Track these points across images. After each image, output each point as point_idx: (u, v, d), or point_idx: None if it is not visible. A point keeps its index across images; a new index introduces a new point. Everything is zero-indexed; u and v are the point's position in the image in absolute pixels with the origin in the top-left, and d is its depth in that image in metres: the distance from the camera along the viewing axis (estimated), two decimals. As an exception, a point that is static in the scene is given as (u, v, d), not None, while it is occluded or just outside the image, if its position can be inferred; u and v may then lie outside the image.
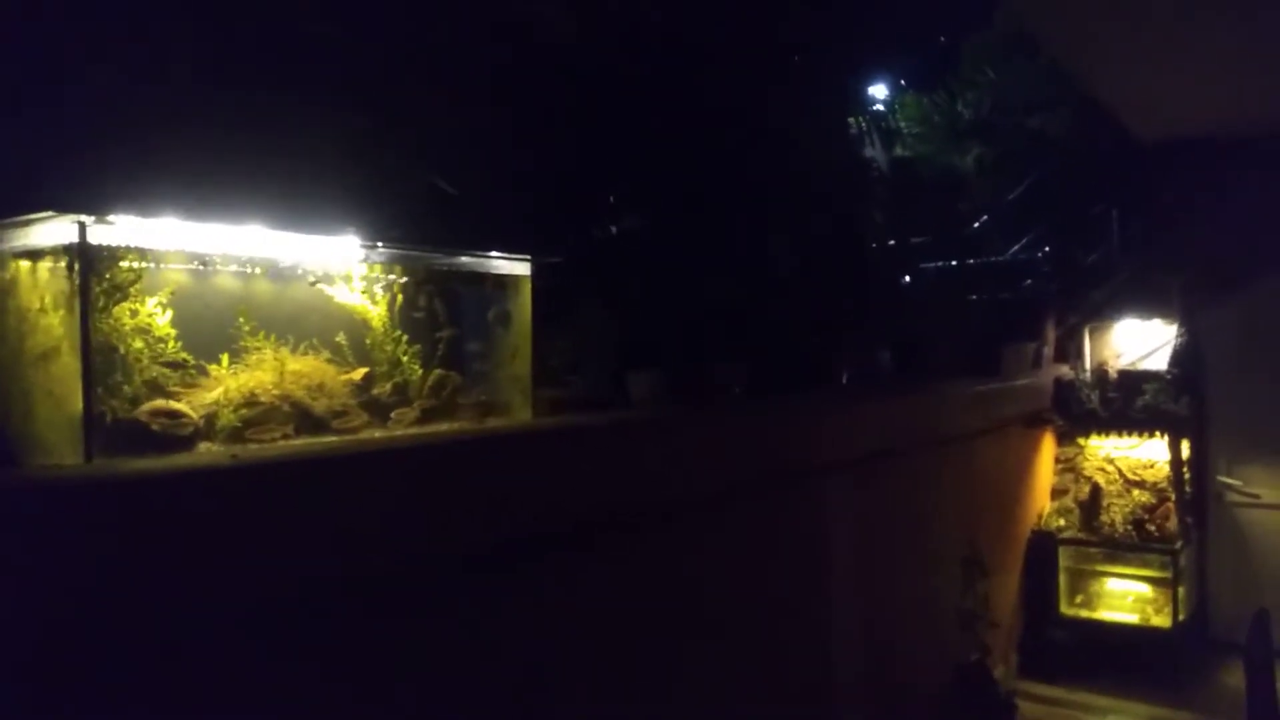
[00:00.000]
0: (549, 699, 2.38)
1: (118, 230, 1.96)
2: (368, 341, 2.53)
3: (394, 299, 2.56)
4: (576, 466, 2.48)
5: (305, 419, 2.28)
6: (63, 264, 1.91)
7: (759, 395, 3.41)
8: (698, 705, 2.96)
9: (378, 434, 2.40)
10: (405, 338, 2.58)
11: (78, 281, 1.87)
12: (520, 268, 2.75)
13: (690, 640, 2.92)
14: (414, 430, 2.48)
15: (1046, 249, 6.84)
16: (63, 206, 1.86)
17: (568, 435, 2.61)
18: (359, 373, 2.47)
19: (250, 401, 2.21)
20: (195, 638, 1.58)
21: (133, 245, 2.03)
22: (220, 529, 1.62)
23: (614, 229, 3.48)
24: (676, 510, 2.83)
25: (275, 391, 2.26)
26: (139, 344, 2.08)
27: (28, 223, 1.93)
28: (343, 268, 2.46)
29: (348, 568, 1.85)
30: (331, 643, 1.85)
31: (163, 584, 1.52)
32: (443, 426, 2.55)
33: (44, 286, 1.95)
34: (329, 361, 2.43)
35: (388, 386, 2.53)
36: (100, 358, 1.96)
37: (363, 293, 2.49)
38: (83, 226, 1.86)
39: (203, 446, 2.08)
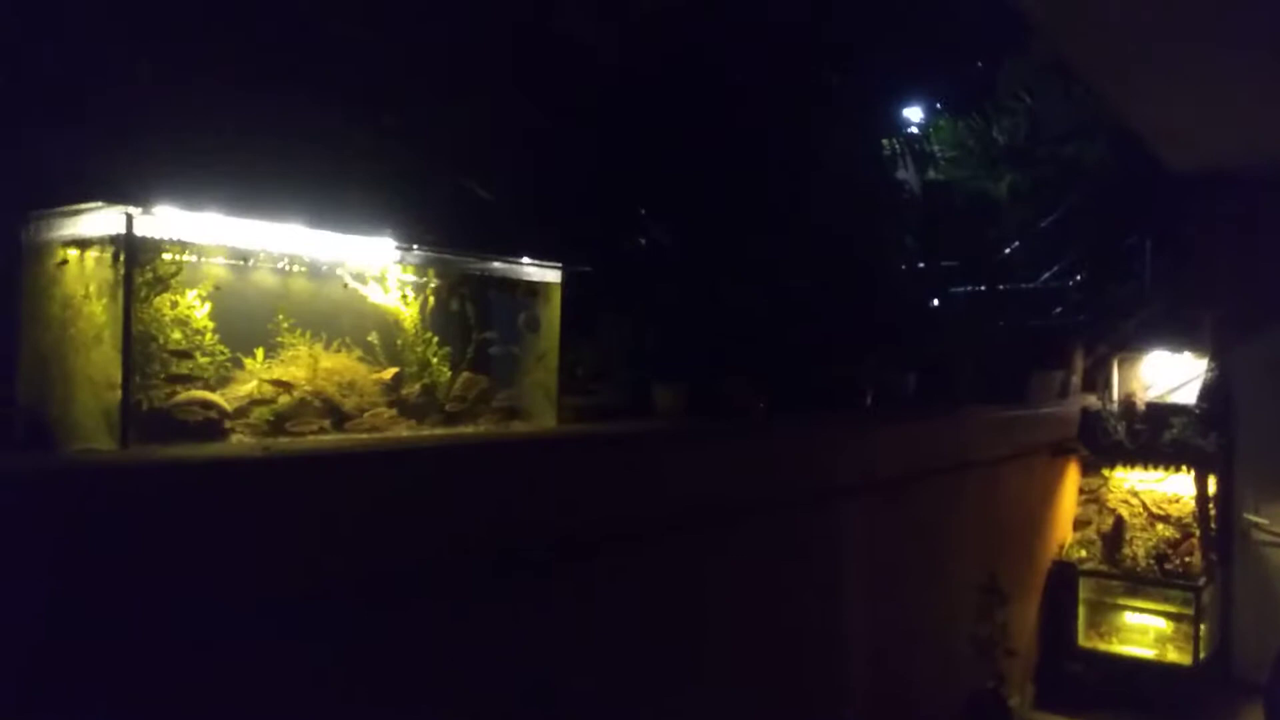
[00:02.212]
0: (557, 705, 2.39)
1: (161, 223, 2.02)
2: (399, 342, 2.57)
3: (426, 301, 2.60)
4: (598, 474, 2.50)
5: (335, 415, 2.32)
6: (108, 254, 1.96)
7: (783, 413, 3.43)
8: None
9: (405, 433, 2.44)
10: (436, 340, 2.62)
11: (122, 271, 1.92)
12: (551, 275, 2.79)
13: (701, 656, 2.93)
14: (440, 431, 2.51)
15: (1078, 278, 6.80)
16: (111, 197, 1.92)
17: (591, 443, 2.64)
18: (389, 372, 2.51)
19: (283, 395, 2.25)
20: (217, 625, 1.61)
21: (175, 238, 2.08)
22: (246, 519, 1.66)
23: (644, 241, 3.52)
24: (694, 524, 2.85)
25: (307, 387, 2.30)
26: (177, 335, 2.13)
27: (76, 212, 1.99)
28: (378, 268, 2.51)
29: (369, 564, 1.88)
30: (350, 640, 1.88)
31: (187, 570, 1.56)
32: (468, 429, 2.58)
33: (89, 275, 2.00)
34: (360, 360, 2.47)
35: (416, 387, 2.57)
36: (139, 347, 2.01)
37: (393, 293, 2.53)
38: (129, 217, 1.91)
39: (235, 438, 2.12)
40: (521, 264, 2.77)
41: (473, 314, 2.69)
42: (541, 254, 2.76)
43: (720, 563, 3.01)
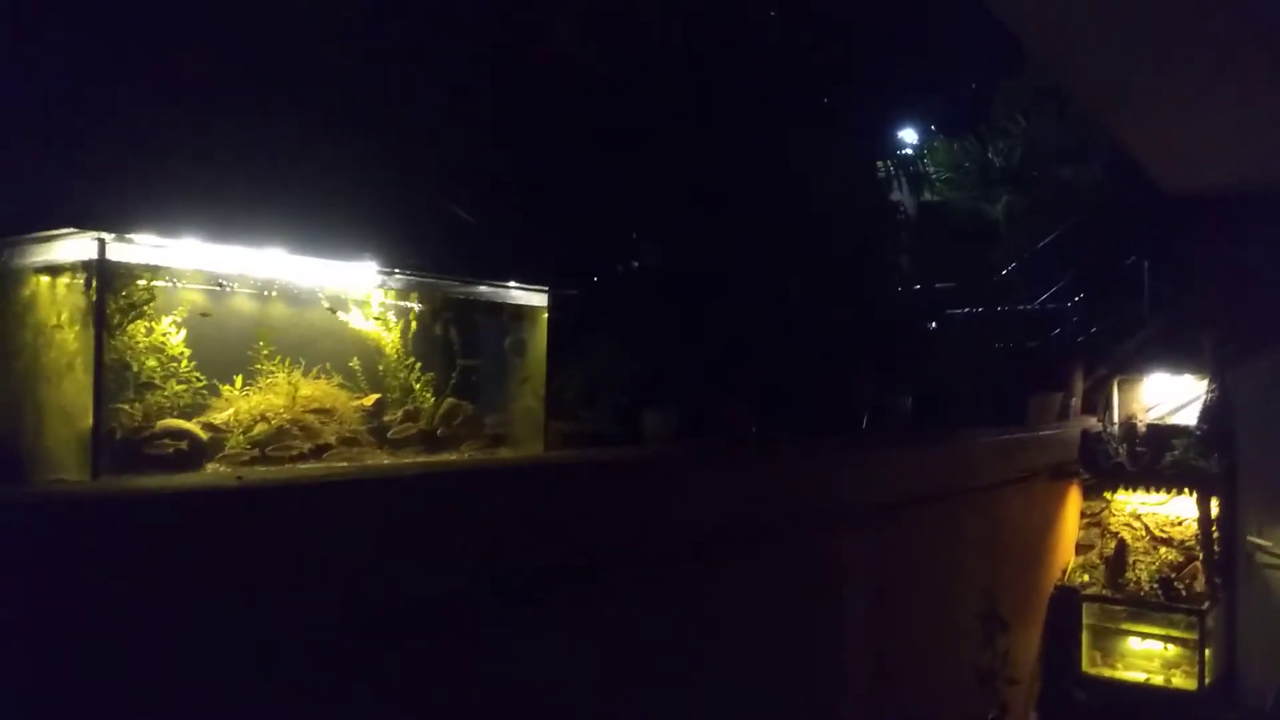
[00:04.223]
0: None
1: (136, 249, 1.98)
2: (380, 368, 2.53)
3: (408, 326, 2.56)
4: (583, 503, 2.45)
5: (314, 443, 2.27)
6: (80, 280, 1.92)
7: (775, 438, 3.38)
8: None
9: (386, 461, 2.39)
10: (419, 365, 2.58)
11: (93, 298, 1.88)
12: (537, 299, 2.75)
13: (693, 683, 2.86)
14: (423, 459, 2.46)
15: (1076, 299, 6.77)
16: (83, 223, 1.88)
17: (577, 471, 2.59)
18: (370, 399, 2.47)
19: (260, 423, 2.21)
20: (187, 663, 1.56)
21: (151, 264, 2.04)
22: (218, 552, 1.61)
23: (634, 264, 3.48)
24: (686, 550, 2.79)
25: (285, 415, 2.26)
26: (152, 363, 2.09)
27: (49, 239, 1.95)
28: (359, 293, 2.47)
29: (349, 596, 1.83)
30: (328, 674, 1.82)
31: (156, 607, 1.51)
32: (452, 456, 2.53)
33: (61, 303, 1.96)
34: (341, 387, 2.43)
35: (399, 414, 2.52)
36: (113, 375, 1.97)
37: (377, 319, 2.49)
38: (102, 243, 1.87)
39: (210, 467, 2.07)
40: (507, 287, 2.73)
41: (456, 339, 2.65)
42: (527, 277, 2.72)
43: (713, 590, 2.95)
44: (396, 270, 2.46)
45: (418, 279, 2.54)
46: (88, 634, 1.43)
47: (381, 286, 2.49)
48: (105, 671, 1.46)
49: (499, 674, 2.19)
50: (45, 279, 2.00)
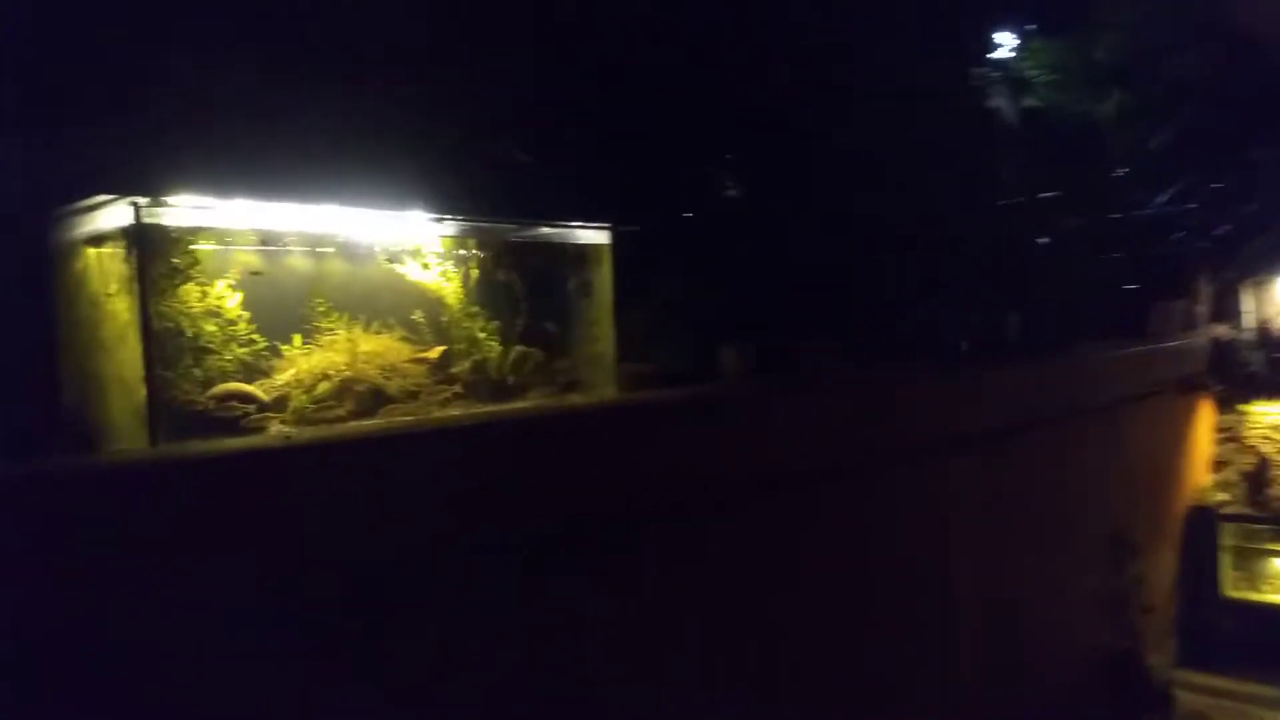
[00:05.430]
0: (634, 682, 2.26)
1: (185, 212, 1.94)
2: (444, 319, 2.46)
3: (469, 274, 2.48)
4: (666, 443, 2.35)
5: (378, 399, 2.23)
6: (124, 249, 1.90)
7: (864, 367, 3.19)
8: (807, 688, 2.79)
9: (455, 413, 2.33)
10: (483, 314, 2.50)
11: (136, 266, 1.85)
12: (600, 237, 2.63)
13: (799, 622, 2.76)
14: (492, 408, 2.39)
15: (1198, 199, 6.27)
16: (120, 189, 1.85)
17: (654, 411, 2.48)
18: (435, 351, 2.40)
19: (323, 381, 2.17)
20: (238, 625, 1.52)
21: (200, 226, 2.01)
22: (264, 511, 1.56)
23: (707, 196, 3.31)
24: (776, 488, 2.66)
25: (348, 372, 2.22)
26: (210, 327, 2.06)
27: (93, 208, 1.93)
28: (416, 244, 2.40)
29: (406, 550, 1.77)
30: (384, 633, 1.77)
31: (199, 570, 1.47)
32: (523, 404, 2.46)
33: (109, 273, 1.95)
34: (404, 340, 2.37)
35: (466, 365, 2.45)
36: (169, 341, 1.95)
37: (435, 268, 2.41)
38: (138, 208, 1.84)
39: (273, 428, 2.04)
40: (568, 227, 2.62)
41: (519, 284, 2.55)
42: (589, 216, 2.61)
43: (813, 525, 2.83)
44: (452, 217, 2.38)
45: (473, 224, 2.45)
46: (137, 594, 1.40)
47: (439, 235, 2.41)
48: (153, 629, 1.43)
49: (570, 627, 2.11)
50: (93, 250, 1.99)
